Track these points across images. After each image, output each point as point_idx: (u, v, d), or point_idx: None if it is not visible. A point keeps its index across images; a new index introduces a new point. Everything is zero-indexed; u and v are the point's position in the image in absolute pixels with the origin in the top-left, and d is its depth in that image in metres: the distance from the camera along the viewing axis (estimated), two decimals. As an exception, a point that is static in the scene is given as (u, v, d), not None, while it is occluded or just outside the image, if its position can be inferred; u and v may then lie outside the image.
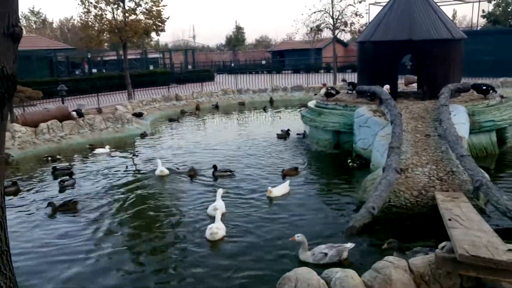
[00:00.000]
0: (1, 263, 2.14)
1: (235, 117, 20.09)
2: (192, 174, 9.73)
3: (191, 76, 36.30)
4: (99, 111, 18.25)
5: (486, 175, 7.14)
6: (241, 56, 64.60)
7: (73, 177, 9.86)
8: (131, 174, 10.29)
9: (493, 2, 26.45)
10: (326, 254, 5.41)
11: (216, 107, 22.94)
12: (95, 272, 5.52)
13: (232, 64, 55.93)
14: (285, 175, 9.34)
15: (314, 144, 12.23)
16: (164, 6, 22.44)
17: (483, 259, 3.82)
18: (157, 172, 9.91)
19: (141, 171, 10.55)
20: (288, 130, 14.06)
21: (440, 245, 4.40)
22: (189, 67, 45.49)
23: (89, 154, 12.70)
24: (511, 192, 7.79)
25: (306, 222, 6.86)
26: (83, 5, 21.95)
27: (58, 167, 10.70)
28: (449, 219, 5.16)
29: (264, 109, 21.34)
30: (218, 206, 7.18)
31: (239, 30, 72.61)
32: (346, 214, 7.07)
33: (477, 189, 6.70)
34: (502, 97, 11.75)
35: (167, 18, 22.80)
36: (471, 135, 9.87)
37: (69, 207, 7.89)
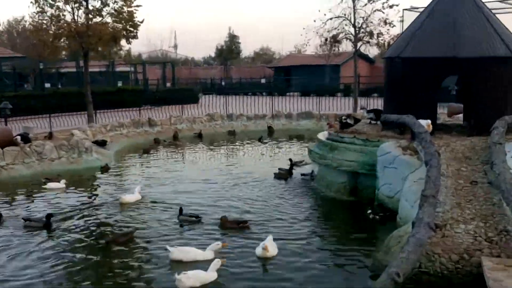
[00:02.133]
0: None
1: (223, 150, 20.18)
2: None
3: (170, 96, 36.74)
4: (50, 136, 18.37)
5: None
6: (234, 73, 65.63)
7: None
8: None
9: None
10: None
11: (199, 135, 23.14)
12: None
13: (223, 83, 56.74)
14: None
15: (324, 188, 12.25)
16: (137, 6, 22.78)
17: None
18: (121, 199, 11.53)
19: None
20: (292, 164, 14.11)
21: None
22: (168, 84, 46.01)
23: (35, 190, 12.81)
24: None
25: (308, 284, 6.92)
26: (37, 4, 22.18)
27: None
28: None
29: (260, 140, 21.60)
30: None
31: (233, 39, 73.64)
32: (363, 282, 7.12)
33: (540, 256, 6.58)
34: None
35: (141, 22, 23.15)
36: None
37: None
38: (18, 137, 15.95)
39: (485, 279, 6.07)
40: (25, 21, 52.22)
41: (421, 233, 6.96)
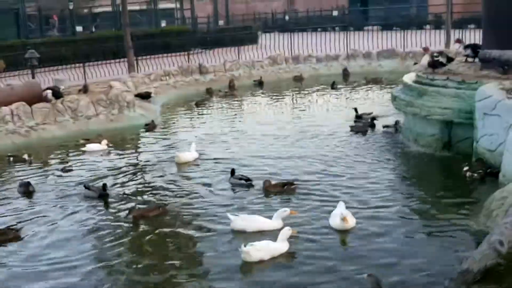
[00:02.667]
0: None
1: (288, 100, 20.32)
2: None
3: (223, 37, 36.94)
4: (86, 89, 18.68)
5: None
6: (300, 5, 64.70)
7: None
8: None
9: None
10: None
11: (260, 83, 23.31)
12: None
13: (287, 18, 56.27)
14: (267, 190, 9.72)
15: (411, 141, 12.35)
16: None
17: None
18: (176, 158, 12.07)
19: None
20: (374, 118, 14.18)
21: None
22: (221, 22, 46.11)
23: (72, 154, 13.26)
24: None
25: (397, 261, 7.02)
26: None
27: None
28: None
29: (333, 86, 21.50)
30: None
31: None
32: (459, 251, 7.16)
33: None
34: None
35: None
36: None
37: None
38: (48, 92, 16.30)
39: None
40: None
41: (531, 193, 7.04)
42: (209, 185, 10.54)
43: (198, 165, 11.86)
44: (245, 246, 7.16)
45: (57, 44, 30.15)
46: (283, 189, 9.82)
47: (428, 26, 42.44)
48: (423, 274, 6.60)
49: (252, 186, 10.16)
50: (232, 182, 10.42)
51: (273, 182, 9.99)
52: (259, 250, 7.21)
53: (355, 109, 14.93)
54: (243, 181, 10.29)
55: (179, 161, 12.03)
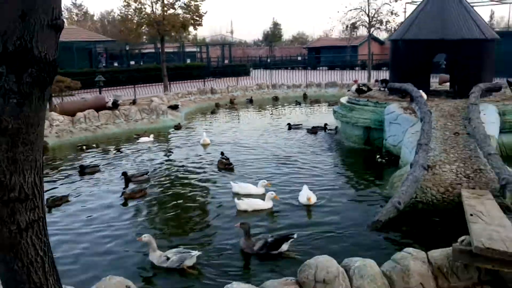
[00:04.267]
0: (38, 229, 2.47)
1: (269, 111, 20.28)
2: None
3: (227, 70, 36.65)
4: (134, 102, 18.48)
5: (514, 175, 7.05)
6: (277, 52, 64.53)
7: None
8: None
9: (529, 4, 25.52)
10: (168, 258, 5.30)
11: (250, 101, 23.17)
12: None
13: (268, 60, 56.01)
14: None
15: (345, 139, 12.29)
16: (202, 1, 22.84)
17: (498, 252, 3.89)
18: (201, 141, 12.44)
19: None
20: (326, 124, 14.02)
21: (460, 239, 4.48)
22: (226, 61, 45.94)
23: (128, 144, 13.15)
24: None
25: (333, 214, 7.01)
26: (124, -1, 22.55)
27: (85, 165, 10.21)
28: (471, 214, 5.22)
29: (296, 103, 21.59)
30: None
31: (276, 26, 72.57)
32: (373, 208, 7.17)
33: (503, 188, 6.67)
34: None
35: (205, 13, 23.20)
36: (502, 135, 9.72)
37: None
38: (110, 103, 16.10)
39: (463, 205, 6.15)
40: (114, 13, 52.56)
41: (417, 172, 7.10)
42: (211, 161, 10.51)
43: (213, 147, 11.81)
44: (237, 200, 7.25)
45: (116, 72, 29.92)
46: (226, 167, 9.64)
47: (357, 68, 42.61)
48: (353, 223, 6.63)
49: (230, 164, 9.81)
50: (219, 160, 10.11)
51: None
52: (245, 204, 7.22)
53: (288, 124, 14.67)
54: (224, 160, 10.00)
55: (204, 143, 12.41)
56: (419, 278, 4.22)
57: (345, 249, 5.66)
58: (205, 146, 12.37)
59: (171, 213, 7.35)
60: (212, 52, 50.55)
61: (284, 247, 5.61)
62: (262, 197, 7.60)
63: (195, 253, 5.35)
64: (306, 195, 7.36)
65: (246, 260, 5.61)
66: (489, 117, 9.40)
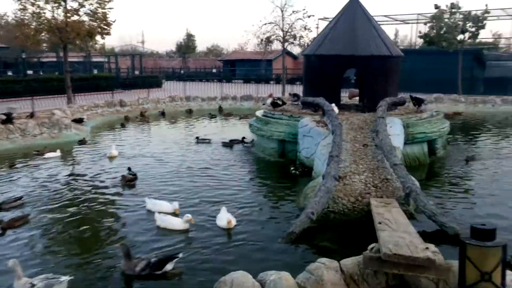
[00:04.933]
0: None
1: (182, 124, 20.02)
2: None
3: (138, 81, 35.72)
4: (32, 115, 17.13)
5: (416, 183, 7.71)
6: (191, 64, 64.49)
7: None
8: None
9: (428, 25, 28.37)
10: (33, 285, 4.95)
11: (163, 113, 22.71)
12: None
13: (182, 71, 55.64)
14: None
15: (260, 152, 12.48)
16: (110, 8, 22.03)
17: (404, 257, 4.20)
18: (108, 154, 12.20)
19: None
20: (244, 137, 14.07)
21: (370, 247, 4.75)
22: (136, 72, 44.75)
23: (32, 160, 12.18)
24: (439, 197, 8.50)
25: (247, 228, 7.04)
26: (19, 1, 20.82)
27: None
28: (379, 223, 5.56)
29: (210, 116, 21.55)
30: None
31: (190, 37, 72.33)
32: (288, 220, 7.29)
33: (407, 195, 7.24)
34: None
35: (113, 22, 22.35)
36: (406, 146, 10.57)
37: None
38: (2, 116, 14.80)
39: (372, 214, 6.55)
40: (8, 16, 48.39)
41: (329, 183, 7.38)
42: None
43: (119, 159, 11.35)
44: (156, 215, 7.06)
45: (10, 82, 27.74)
46: (128, 183, 9.39)
47: (272, 81, 43.94)
48: (268, 236, 6.67)
49: (132, 181, 9.60)
50: (122, 175, 9.81)
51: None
52: (162, 221, 7.06)
53: (197, 137, 14.74)
54: (131, 176, 9.69)
55: (111, 155, 12.13)
56: (332, 287, 4.39)
57: (260, 263, 5.67)
58: (111, 158, 12.00)
59: (58, 238, 6.78)
60: (122, 62, 49.04)
61: (169, 266, 5.50)
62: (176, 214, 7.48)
63: (65, 278, 5.04)
64: (226, 218, 7.03)
65: (128, 282, 5.41)
66: (394, 130, 10.18)
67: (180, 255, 5.70)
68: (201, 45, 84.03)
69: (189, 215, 7.03)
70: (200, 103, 26.39)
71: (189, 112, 24.02)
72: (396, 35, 67.07)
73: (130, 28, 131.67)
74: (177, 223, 7.00)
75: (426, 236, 5.99)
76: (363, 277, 4.57)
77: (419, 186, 7.67)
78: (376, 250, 4.51)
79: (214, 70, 55.06)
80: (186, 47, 71.69)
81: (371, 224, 6.42)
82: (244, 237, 6.67)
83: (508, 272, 4.32)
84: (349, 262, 4.61)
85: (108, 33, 22.56)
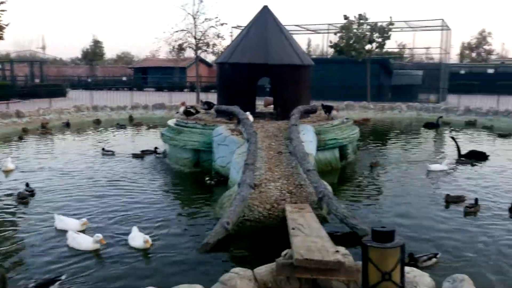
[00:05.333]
0: None
1: (89, 135, 19.08)
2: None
3: (38, 90, 33.55)
4: None
5: (329, 187, 8.09)
6: (99, 71, 62.02)
7: None
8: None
9: (338, 35, 30.08)
10: None
11: (67, 124, 21.46)
12: None
13: (89, 80, 53.27)
14: None
15: (174, 163, 12.28)
16: (2, 11, 20.49)
17: (315, 261, 4.36)
18: (2, 168, 11.34)
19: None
20: (156, 148, 13.77)
21: (283, 253, 4.87)
22: (37, 80, 41.98)
23: None
24: (351, 200, 9.00)
25: (162, 242, 6.88)
26: None
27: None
28: (293, 228, 5.73)
29: (118, 126, 20.81)
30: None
31: (97, 44, 69.74)
32: (203, 231, 7.26)
33: (320, 200, 7.55)
34: None
35: (7, 25, 20.89)
36: (318, 152, 11.03)
37: None
38: None
39: (287, 219, 6.68)
40: None
41: (244, 191, 7.46)
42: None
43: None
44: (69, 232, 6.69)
45: None
46: (20, 201, 8.74)
47: (186, 89, 43.65)
48: (183, 248, 6.59)
49: (33, 195, 9.10)
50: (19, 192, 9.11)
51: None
52: (72, 239, 6.64)
53: (103, 148, 14.24)
54: (27, 193, 9.04)
55: (6, 169, 11.33)
56: (246, 296, 4.42)
57: (176, 277, 5.58)
58: (7, 173, 11.13)
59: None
60: (19, 69, 45.81)
61: None
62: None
63: None
64: (143, 238, 6.59)
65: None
66: (307, 137, 10.61)
67: (63, 277, 5.40)
68: (110, 52, 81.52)
69: (100, 235, 6.63)
70: (109, 112, 25.41)
71: (97, 122, 22.99)
72: (308, 44, 70.25)
73: (29, 32, 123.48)
74: (86, 243, 6.59)
75: (339, 239, 6.30)
76: (276, 284, 4.65)
77: (332, 191, 8.05)
78: (289, 256, 4.63)
79: (124, 78, 53.51)
80: (93, 54, 69.01)
81: (287, 230, 6.53)
82: (159, 251, 6.50)
83: (412, 269, 4.69)
84: (263, 270, 4.67)
85: (0, 38, 20.95)
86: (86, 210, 8.36)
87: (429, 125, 21.03)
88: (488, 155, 13.27)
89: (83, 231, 7.09)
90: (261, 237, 7.02)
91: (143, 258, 6.27)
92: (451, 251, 6.49)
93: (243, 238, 6.97)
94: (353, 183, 10.66)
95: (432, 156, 14.19)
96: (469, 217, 8.06)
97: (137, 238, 6.65)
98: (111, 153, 13.74)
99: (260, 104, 16.77)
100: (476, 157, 13.00)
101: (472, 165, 12.41)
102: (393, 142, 17.33)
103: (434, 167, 11.71)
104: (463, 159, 12.88)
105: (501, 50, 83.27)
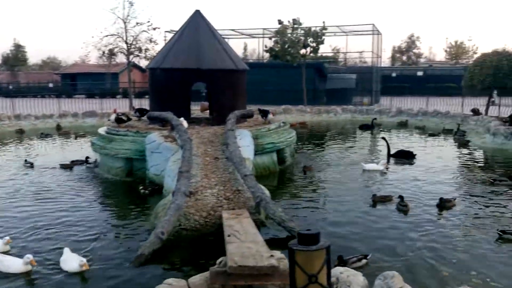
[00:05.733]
0: None
1: (10, 147, 17.98)
2: None
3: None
4: None
5: (266, 192, 8.18)
6: (22, 78, 58.87)
7: None
8: None
9: (273, 39, 30.63)
10: None
11: (-17, 136, 20.11)
12: None
13: (10, 87, 50.38)
14: None
15: (106, 172, 11.93)
16: None
17: (249, 267, 4.38)
18: None
19: None
20: (87, 157, 13.24)
21: (218, 261, 4.85)
22: None
23: None
24: (289, 204, 9.15)
25: (96, 256, 6.67)
26: None
27: None
28: (228, 235, 5.73)
29: (42, 136, 19.84)
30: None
31: (18, 48, 66.10)
32: (139, 243, 7.04)
33: (258, 205, 7.62)
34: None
35: None
36: (256, 156, 11.16)
37: None
38: None
39: (223, 226, 6.71)
40: None
41: (179, 199, 7.39)
42: None
43: None
44: None
45: None
46: None
47: (119, 96, 42.49)
48: (117, 262, 6.39)
49: None
50: None
51: None
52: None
53: (25, 160, 13.49)
54: None
55: None
56: (180, 306, 4.37)
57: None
58: None
59: None
60: None
61: None
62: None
63: None
64: (79, 261, 6.12)
65: None
66: (244, 141, 10.68)
67: None
68: (35, 57, 77.53)
69: (30, 256, 6.19)
70: (34, 121, 24.15)
71: (20, 132, 21.73)
72: (245, 48, 70.97)
73: None
74: (15, 266, 6.14)
75: (278, 243, 6.39)
76: (212, 293, 4.62)
77: (269, 195, 8.14)
78: (223, 264, 4.62)
79: (50, 85, 51.09)
80: (15, 59, 65.36)
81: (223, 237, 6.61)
82: (93, 267, 6.27)
83: (346, 268, 4.85)
84: (197, 279, 4.63)
85: None
86: (8, 227, 7.87)
87: (364, 127, 21.92)
88: (415, 154, 14.04)
89: (6, 252, 6.66)
90: (198, 246, 6.98)
91: (77, 276, 6.01)
92: (382, 248, 6.79)
93: (180, 248, 6.90)
94: (292, 186, 10.88)
95: (367, 156, 14.77)
96: (399, 215, 8.48)
97: (70, 261, 6.20)
98: (30, 165, 12.98)
99: (196, 109, 16.68)
100: (404, 156, 13.74)
101: (410, 164, 13.10)
102: (330, 144, 17.87)
103: (369, 166, 12.22)
104: (393, 158, 13.56)
105: (429, 53, 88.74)
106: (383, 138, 15.27)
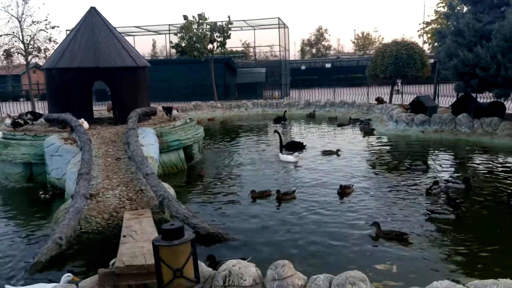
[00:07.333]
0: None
1: None
2: None
3: None
4: None
5: (170, 190, 8.14)
6: None
7: None
8: None
9: (179, 35, 30.21)
10: None
11: None
12: None
13: None
14: None
15: (4, 179, 11.24)
16: None
17: (137, 267, 4.37)
18: None
19: None
20: None
21: (111, 262, 4.77)
22: None
23: None
24: (197, 201, 9.11)
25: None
26: None
27: None
28: (124, 236, 5.65)
29: None
30: None
31: None
32: (36, 250, 6.67)
33: (161, 203, 7.57)
34: None
35: None
36: (162, 154, 11.04)
37: None
38: None
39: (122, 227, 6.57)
40: None
41: (78, 202, 7.18)
42: None
43: None
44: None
45: None
46: None
47: (22, 99, 39.63)
48: (15, 271, 6.06)
49: None
50: None
51: None
52: None
53: None
54: None
55: None
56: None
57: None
58: None
59: None
60: None
61: None
62: None
63: None
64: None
65: None
66: (148, 140, 10.52)
67: None
68: None
69: None
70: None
71: None
72: (154, 45, 69.39)
73: None
74: None
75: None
76: (105, 295, 4.55)
77: (173, 193, 8.12)
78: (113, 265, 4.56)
79: None
80: None
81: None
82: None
83: (239, 261, 4.93)
84: (87, 283, 4.54)
85: None
86: None
87: (279, 120, 22.36)
88: (305, 145, 14.56)
89: None
90: (99, 249, 6.81)
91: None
92: (274, 243, 6.83)
93: (80, 252, 6.69)
94: (200, 183, 10.73)
95: (274, 148, 14.89)
96: (282, 208, 8.51)
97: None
98: None
99: (103, 109, 16.11)
100: (294, 147, 14.26)
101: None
102: (241, 138, 17.96)
103: (284, 157, 12.50)
104: (284, 149, 13.72)
105: (338, 45, 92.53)
106: (276, 131, 15.10)
